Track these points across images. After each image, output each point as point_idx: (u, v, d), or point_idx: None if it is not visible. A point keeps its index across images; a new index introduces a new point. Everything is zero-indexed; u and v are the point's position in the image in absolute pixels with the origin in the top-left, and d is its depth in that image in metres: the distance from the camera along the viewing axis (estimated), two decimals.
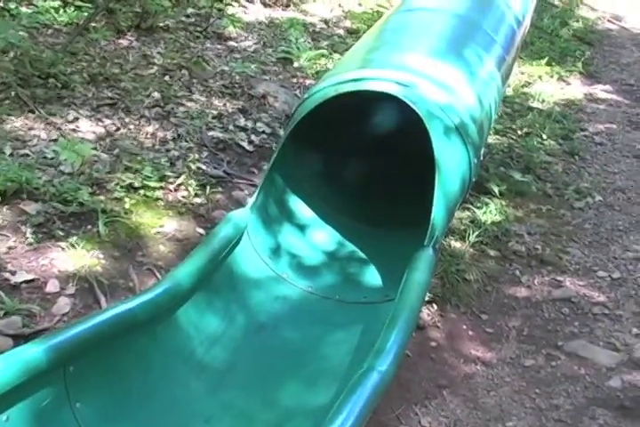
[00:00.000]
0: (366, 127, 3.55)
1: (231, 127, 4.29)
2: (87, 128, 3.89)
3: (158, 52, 4.99)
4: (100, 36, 4.85)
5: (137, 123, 4.07)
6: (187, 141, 4.01)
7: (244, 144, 4.18)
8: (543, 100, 5.88)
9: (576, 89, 6.49)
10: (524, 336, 3.25)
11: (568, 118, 5.66)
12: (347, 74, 2.97)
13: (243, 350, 2.66)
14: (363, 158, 3.52)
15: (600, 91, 6.55)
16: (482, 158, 3.30)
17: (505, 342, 3.21)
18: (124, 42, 5.03)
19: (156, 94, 4.37)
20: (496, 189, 4.18)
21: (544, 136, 5.15)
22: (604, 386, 2.96)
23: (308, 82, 5.14)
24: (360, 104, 3.21)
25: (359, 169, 3.51)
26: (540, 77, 6.46)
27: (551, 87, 6.28)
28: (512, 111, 5.54)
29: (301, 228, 3.27)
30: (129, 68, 4.64)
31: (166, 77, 4.67)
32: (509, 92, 5.78)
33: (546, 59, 6.77)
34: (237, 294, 2.85)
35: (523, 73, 6.41)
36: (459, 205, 3.06)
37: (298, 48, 5.62)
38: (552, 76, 6.54)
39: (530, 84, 6.27)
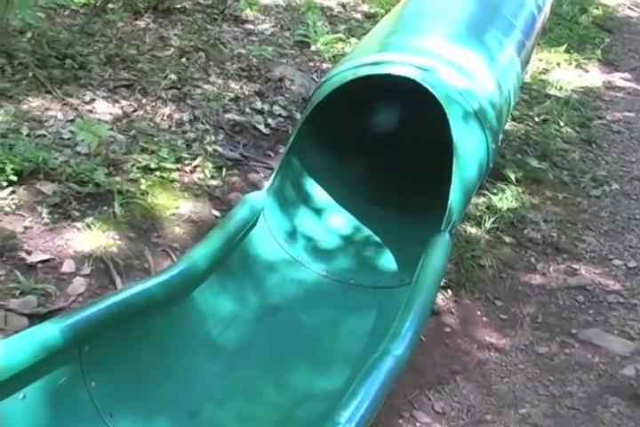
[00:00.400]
0: (384, 112, 3.53)
1: (248, 110, 4.27)
2: (104, 109, 3.89)
3: (175, 34, 4.96)
4: (116, 17, 4.83)
5: (153, 104, 4.05)
6: (203, 124, 4.00)
7: (261, 127, 4.17)
8: (561, 88, 5.81)
9: (594, 77, 6.41)
10: (539, 323, 3.24)
11: (586, 106, 5.59)
12: (365, 57, 2.96)
13: (257, 333, 2.67)
14: (380, 143, 3.50)
15: (619, 79, 6.46)
16: (499, 144, 3.28)
17: (519, 328, 3.20)
18: (140, 23, 5.00)
19: (173, 76, 4.35)
20: (512, 176, 4.15)
21: (561, 124, 5.10)
22: (618, 375, 2.95)
23: (325, 66, 5.10)
24: (378, 89, 3.19)
25: (376, 154, 3.48)
26: (558, 64, 6.38)
27: (569, 74, 6.20)
28: (529, 98, 5.48)
29: (317, 211, 3.26)
30: (146, 50, 4.61)
31: (183, 59, 4.65)
32: (527, 78, 5.71)
33: (564, 46, 6.68)
34: (252, 277, 2.85)
35: (541, 60, 6.34)
36: (476, 190, 3.04)
37: (315, 32, 5.58)
38: (570, 64, 6.46)
39: (548, 71, 6.20)
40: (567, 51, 6.63)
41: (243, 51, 5.00)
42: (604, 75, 6.52)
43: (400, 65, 2.84)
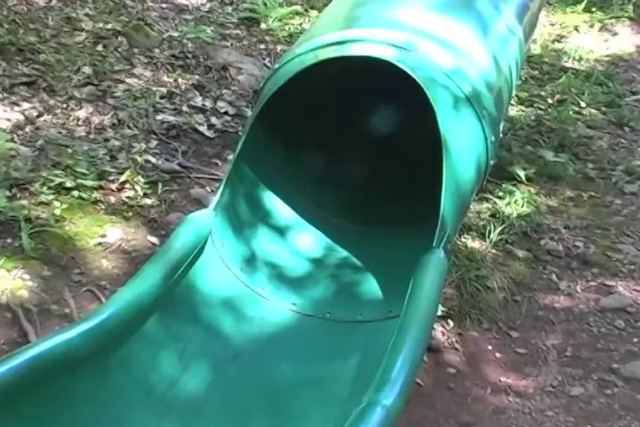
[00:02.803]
0: (358, 103, 3.61)
1: (185, 108, 4.35)
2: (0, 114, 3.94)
3: (86, 15, 4.99)
4: None
5: (64, 106, 4.11)
6: (130, 128, 4.06)
7: (203, 129, 4.24)
8: (581, 58, 5.89)
9: (625, 40, 6.49)
10: (568, 358, 3.31)
11: (614, 79, 5.69)
12: (327, 36, 3.02)
13: (213, 386, 2.71)
14: (354, 142, 3.60)
15: None
16: (502, 135, 3.35)
17: (543, 365, 3.27)
18: (39, 1, 5.03)
19: (87, 69, 4.41)
20: (522, 174, 4.24)
21: (582, 104, 5.20)
22: None
23: (279, 48, 5.19)
24: (347, 75, 3.28)
25: (349, 156, 3.57)
26: (576, 28, 6.45)
27: (591, 40, 6.28)
28: (540, 74, 5.57)
29: (280, 231, 3.33)
30: (49, 36, 4.66)
31: (99, 47, 4.70)
32: (536, 49, 5.81)
33: (584, 3, 6.73)
34: (203, 317, 2.90)
35: (553, 24, 6.42)
36: (474, 195, 3.13)
37: (265, 4, 5.64)
38: (592, 26, 6.52)
39: (563, 37, 6.27)
40: (587, 9, 6.67)
41: (174, 33, 5.06)
42: (638, 37, 6.59)
43: (371, 43, 2.92)
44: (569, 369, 3.25)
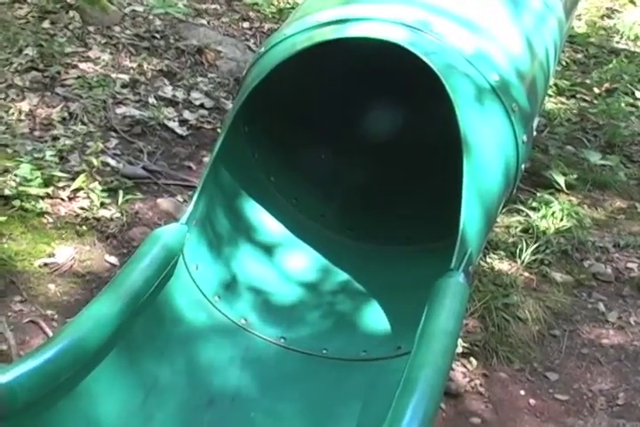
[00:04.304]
0: (359, 96, 3.64)
1: (152, 100, 4.39)
2: None
3: None
4: None
5: (3, 96, 4.15)
6: (84, 124, 4.09)
7: (174, 125, 4.28)
8: (637, 38, 5.91)
9: None
10: (620, 406, 3.33)
11: None
12: (324, 13, 3.06)
13: None
14: (355, 143, 3.64)
15: None
16: (536, 133, 3.36)
17: (589, 415, 3.28)
18: None
19: (31, 51, 4.44)
20: (561, 180, 4.26)
21: (638, 94, 5.20)
22: None
23: (266, 26, 5.23)
24: (347, 60, 3.32)
25: (350, 157, 3.61)
26: (631, 0, 6.47)
27: None
28: (585, 58, 5.58)
29: (266, 249, 3.36)
30: None
31: (45, 23, 4.73)
32: (580, 27, 5.82)
33: None
34: (173, 354, 2.92)
35: None
36: (502, 206, 3.15)
37: None
38: None
39: (614, 12, 6.29)
40: None
41: (139, 8, 5.09)
42: None
43: (376, 22, 2.95)
44: (622, 421, 3.27)
